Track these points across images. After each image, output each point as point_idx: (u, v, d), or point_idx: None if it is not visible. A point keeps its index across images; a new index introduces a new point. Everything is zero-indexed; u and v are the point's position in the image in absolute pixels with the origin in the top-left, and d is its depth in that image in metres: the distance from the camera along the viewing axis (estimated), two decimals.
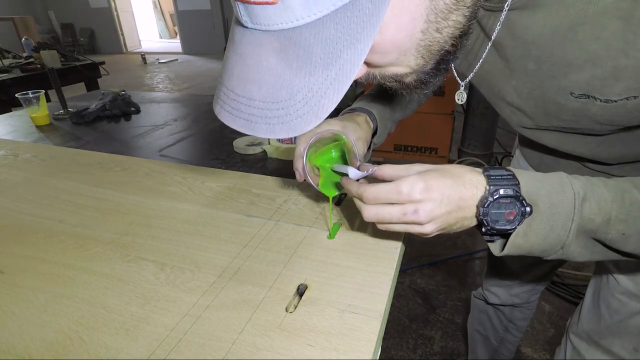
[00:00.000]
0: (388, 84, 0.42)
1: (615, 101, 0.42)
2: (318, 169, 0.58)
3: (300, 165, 0.56)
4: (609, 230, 0.40)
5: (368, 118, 0.65)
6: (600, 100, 0.43)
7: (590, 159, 0.58)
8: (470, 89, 2.59)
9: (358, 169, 0.49)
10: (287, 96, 0.34)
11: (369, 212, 0.43)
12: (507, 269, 0.94)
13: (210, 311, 0.44)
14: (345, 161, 0.57)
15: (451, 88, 2.46)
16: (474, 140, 2.69)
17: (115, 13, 8.96)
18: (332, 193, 0.56)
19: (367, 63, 0.38)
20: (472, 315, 1.13)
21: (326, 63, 0.33)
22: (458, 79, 0.54)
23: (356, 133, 0.59)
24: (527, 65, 0.47)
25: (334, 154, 0.58)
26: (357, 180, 0.48)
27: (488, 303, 1.04)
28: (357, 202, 0.46)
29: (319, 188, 0.55)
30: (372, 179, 0.48)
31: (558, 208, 0.40)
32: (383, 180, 0.46)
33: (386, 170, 0.46)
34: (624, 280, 0.64)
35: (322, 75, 0.33)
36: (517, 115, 0.55)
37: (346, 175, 0.49)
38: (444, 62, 0.40)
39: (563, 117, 0.49)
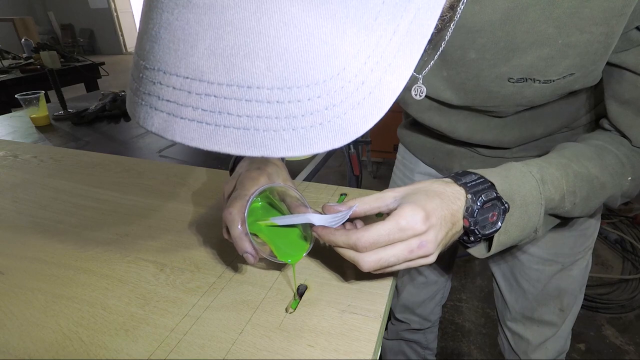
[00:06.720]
0: None
1: (554, 81, 0.43)
2: (256, 235, 0.45)
3: (249, 245, 0.42)
4: (564, 204, 0.44)
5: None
6: (540, 82, 0.44)
7: (489, 146, 0.61)
8: None
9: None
10: (330, 72, 0.20)
11: (369, 262, 0.37)
12: (413, 284, 0.90)
13: (210, 312, 0.43)
14: (276, 209, 0.47)
15: None
16: None
17: (115, 14, 8.96)
18: (299, 254, 0.44)
19: None
20: None
21: (394, 6, 0.21)
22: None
23: (280, 174, 0.48)
24: (466, 55, 0.45)
25: (260, 202, 0.47)
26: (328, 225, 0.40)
27: (401, 339, 0.99)
28: (349, 253, 0.38)
29: (280, 259, 0.43)
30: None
31: (528, 198, 0.42)
32: (350, 220, 0.41)
33: (359, 207, 0.40)
34: (535, 250, 0.69)
35: (387, 28, 0.21)
36: (433, 103, 0.55)
37: (298, 226, 0.44)
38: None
39: (488, 104, 0.50)
